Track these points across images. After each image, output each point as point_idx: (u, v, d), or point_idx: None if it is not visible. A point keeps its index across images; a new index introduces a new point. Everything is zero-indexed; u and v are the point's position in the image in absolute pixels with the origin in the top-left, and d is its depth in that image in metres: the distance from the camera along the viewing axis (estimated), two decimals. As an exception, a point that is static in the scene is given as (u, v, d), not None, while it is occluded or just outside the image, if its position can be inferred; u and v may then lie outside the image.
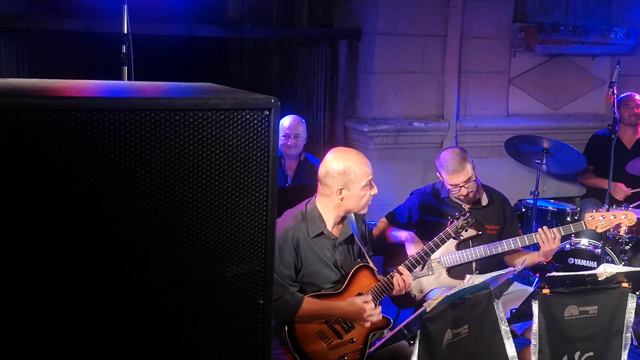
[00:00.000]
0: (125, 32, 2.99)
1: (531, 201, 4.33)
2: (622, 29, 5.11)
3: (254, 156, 1.19)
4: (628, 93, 4.76)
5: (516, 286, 3.29)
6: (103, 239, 1.19)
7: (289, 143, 3.95)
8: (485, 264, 3.23)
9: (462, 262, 3.22)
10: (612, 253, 4.27)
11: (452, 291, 2.17)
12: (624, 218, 3.05)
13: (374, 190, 2.58)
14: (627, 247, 4.36)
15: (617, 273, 2.57)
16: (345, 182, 2.52)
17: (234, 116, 1.18)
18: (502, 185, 5.05)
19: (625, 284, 2.61)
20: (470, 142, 5.14)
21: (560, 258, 4.20)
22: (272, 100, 1.18)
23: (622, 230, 4.34)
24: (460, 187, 3.25)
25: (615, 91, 4.25)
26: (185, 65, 5.16)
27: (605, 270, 2.56)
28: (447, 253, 3.25)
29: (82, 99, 1.19)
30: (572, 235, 4.36)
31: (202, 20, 5.00)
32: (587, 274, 2.55)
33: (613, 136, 3.91)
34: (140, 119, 1.19)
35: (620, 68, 4.33)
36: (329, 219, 2.62)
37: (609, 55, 4.83)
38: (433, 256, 3.26)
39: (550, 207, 4.46)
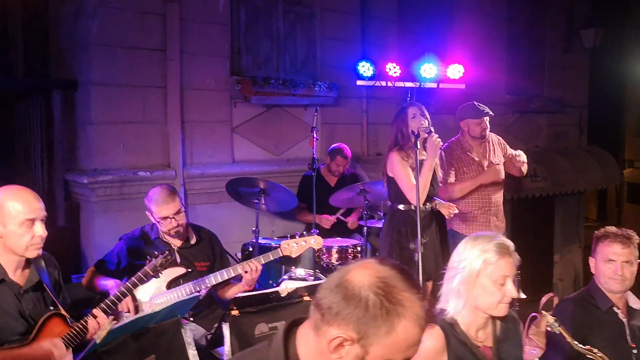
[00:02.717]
0: None
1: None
2: (325, 83, 5.85)
3: None
4: (338, 145, 5.25)
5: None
6: None
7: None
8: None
9: (174, 300, 3.27)
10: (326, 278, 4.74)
11: (125, 321, 2.20)
12: (312, 242, 3.42)
13: (39, 232, 2.46)
14: (340, 273, 4.89)
15: (298, 288, 2.87)
16: (1, 217, 2.41)
17: None
18: (233, 228, 5.32)
19: (307, 297, 2.91)
20: (198, 189, 5.31)
21: (280, 289, 4.53)
22: None
23: (334, 257, 4.91)
24: (171, 218, 3.32)
25: (315, 135, 4.86)
26: None
27: (287, 287, 2.84)
28: (157, 294, 3.28)
29: None
30: (292, 268, 4.77)
31: None
32: (271, 292, 2.80)
33: (313, 174, 4.42)
34: None
35: (318, 115, 4.97)
36: (7, 264, 2.46)
37: (316, 106, 5.46)
38: (144, 298, 3.26)
39: (272, 243, 4.79)
